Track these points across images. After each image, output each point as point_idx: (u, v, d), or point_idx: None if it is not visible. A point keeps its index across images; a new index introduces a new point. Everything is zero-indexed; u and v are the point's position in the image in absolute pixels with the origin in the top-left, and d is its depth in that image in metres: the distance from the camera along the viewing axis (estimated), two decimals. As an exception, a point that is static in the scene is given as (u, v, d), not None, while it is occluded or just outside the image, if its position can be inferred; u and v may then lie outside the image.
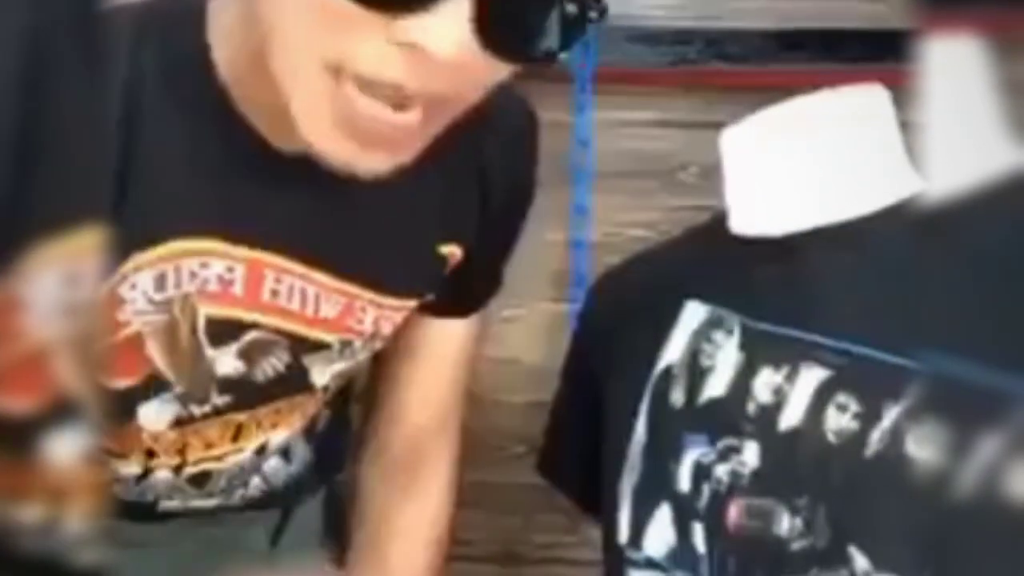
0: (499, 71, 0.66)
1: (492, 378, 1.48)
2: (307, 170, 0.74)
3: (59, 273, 0.60)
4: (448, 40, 0.60)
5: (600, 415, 0.91)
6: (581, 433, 0.95)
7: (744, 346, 0.80)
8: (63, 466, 0.65)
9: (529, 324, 1.49)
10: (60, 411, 0.62)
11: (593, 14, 0.65)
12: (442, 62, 0.61)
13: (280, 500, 0.99)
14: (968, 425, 0.67)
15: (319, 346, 0.85)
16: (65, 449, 0.63)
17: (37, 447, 0.62)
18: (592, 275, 1.39)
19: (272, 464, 0.94)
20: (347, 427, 1.04)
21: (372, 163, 0.67)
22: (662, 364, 0.84)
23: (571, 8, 0.65)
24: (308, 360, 0.85)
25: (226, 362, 0.82)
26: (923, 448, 0.68)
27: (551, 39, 0.65)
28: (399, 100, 0.64)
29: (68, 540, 0.58)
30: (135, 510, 0.91)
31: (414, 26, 0.60)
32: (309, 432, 0.96)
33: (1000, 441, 0.65)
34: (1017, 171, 0.69)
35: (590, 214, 1.47)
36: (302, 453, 0.97)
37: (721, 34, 1.44)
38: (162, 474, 0.88)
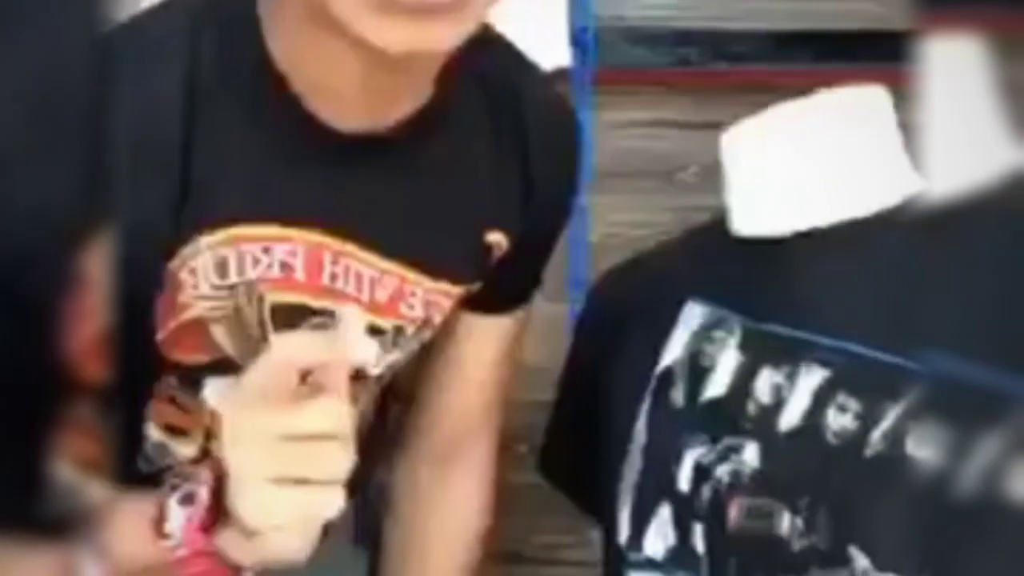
0: None
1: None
2: (362, 151, 0.76)
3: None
4: None
5: (600, 415, 0.91)
6: (581, 433, 0.95)
7: (744, 346, 0.80)
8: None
9: (530, 324, 1.49)
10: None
11: None
12: None
13: None
14: (968, 425, 0.67)
15: (374, 331, 0.85)
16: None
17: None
18: (591, 275, 1.39)
19: None
20: (384, 427, 1.05)
21: (434, 37, 0.68)
22: (662, 364, 0.84)
23: None
24: None
25: None
26: (923, 448, 0.69)
27: None
28: None
29: None
30: None
31: None
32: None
33: (1000, 441, 0.65)
34: (1017, 171, 0.70)
35: (589, 214, 1.47)
36: None
37: (721, 35, 1.44)
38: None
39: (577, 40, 1.42)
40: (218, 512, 0.66)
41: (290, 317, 0.81)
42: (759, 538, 0.75)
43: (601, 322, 0.96)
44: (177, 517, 0.67)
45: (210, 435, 0.87)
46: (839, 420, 0.73)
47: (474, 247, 0.88)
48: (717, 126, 0.85)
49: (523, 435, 1.40)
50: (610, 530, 0.86)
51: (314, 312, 0.82)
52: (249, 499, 0.64)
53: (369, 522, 1.06)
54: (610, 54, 1.43)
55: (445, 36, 0.68)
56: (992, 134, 0.70)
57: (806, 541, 0.73)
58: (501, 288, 0.93)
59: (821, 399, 0.74)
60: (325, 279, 0.81)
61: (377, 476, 1.06)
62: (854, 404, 0.72)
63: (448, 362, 0.97)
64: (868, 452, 0.71)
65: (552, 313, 1.49)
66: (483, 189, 0.87)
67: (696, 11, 1.45)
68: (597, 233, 1.48)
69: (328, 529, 1.02)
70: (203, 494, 0.67)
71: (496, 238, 0.88)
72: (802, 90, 0.80)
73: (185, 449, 0.88)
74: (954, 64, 0.68)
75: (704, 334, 0.83)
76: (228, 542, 0.66)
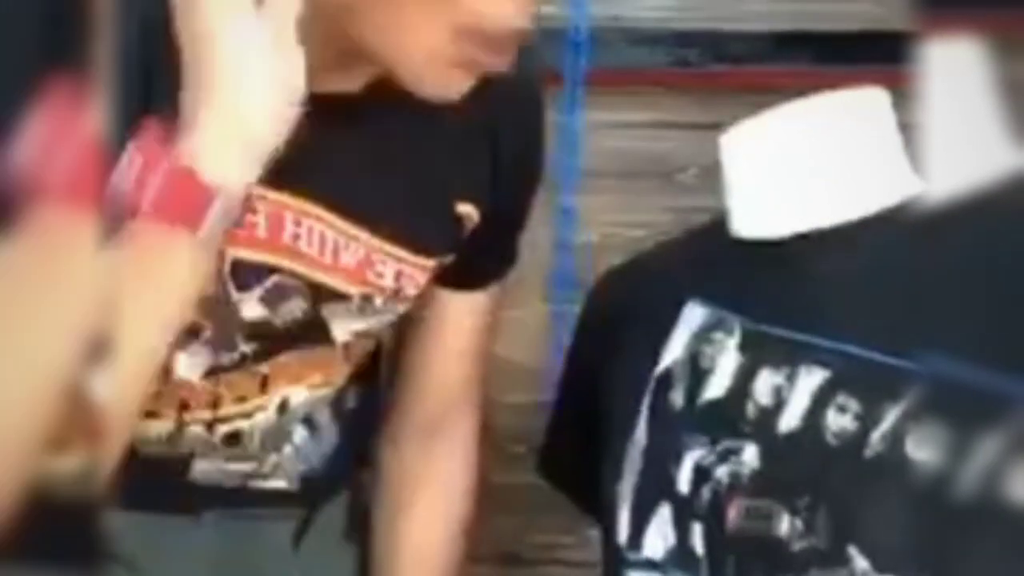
0: None
1: (490, 378, 1.48)
2: (329, 115, 0.76)
3: None
4: None
5: (600, 415, 0.91)
6: (581, 433, 0.95)
7: (744, 347, 0.80)
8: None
9: (526, 325, 1.49)
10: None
11: None
12: None
13: (309, 489, 0.99)
14: (968, 426, 0.67)
15: (338, 296, 0.86)
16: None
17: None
18: (590, 276, 1.39)
19: (300, 434, 0.95)
20: (376, 416, 1.05)
21: (450, 87, 0.73)
22: (662, 365, 0.84)
23: None
24: (327, 311, 0.86)
25: (250, 306, 0.83)
26: (923, 449, 0.68)
27: None
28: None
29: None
30: (168, 477, 0.91)
31: None
32: (337, 407, 0.97)
33: (999, 442, 0.65)
34: (1017, 171, 0.69)
35: (575, 215, 1.47)
36: (329, 430, 0.97)
37: (721, 36, 1.44)
38: (195, 430, 0.89)
39: (570, 40, 1.42)
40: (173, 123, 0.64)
41: (248, 274, 0.81)
42: (758, 539, 0.75)
43: (601, 322, 0.96)
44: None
45: (185, 407, 0.88)
46: (839, 421, 0.73)
47: (444, 218, 0.88)
48: (717, 126, 0.85)
49: (521, 436, 1.40)
50: (609, 530, 0.86)
51: (271, 270, 0.82)
52: (224, 71, 0.62)
53: (360, 518, 1.07)
54: (610, 55, 1.43)
55: (464, 87, 0.73)
56: (992, 134, 0.70)
57: (805, 542, 0.73)
58: (474, 264, 0.94)
59: (821, 400, 0.74)
60: (286, 238, 0.81)
61: (369, 474, 1.07)
62: (854, 405, 0.72)
63: (426, 338, 0.98)
64: (868, 453, 0.71)
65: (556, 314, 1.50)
66: (452, 160, 0.88)
67: (696, 12, 1.45)
68: (597, 233, 1.49)
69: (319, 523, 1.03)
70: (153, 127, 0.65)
71: (466, 210, 0.89)
72: (802, 91, 0.80)
73: (160, 426, 0.89)
74: (954, 65, 0.68)
75: (704, 335, 0.83)
76: (192, 149, 0.64)
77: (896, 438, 0.70)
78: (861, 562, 0.70)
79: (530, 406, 1.40)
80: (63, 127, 0.48)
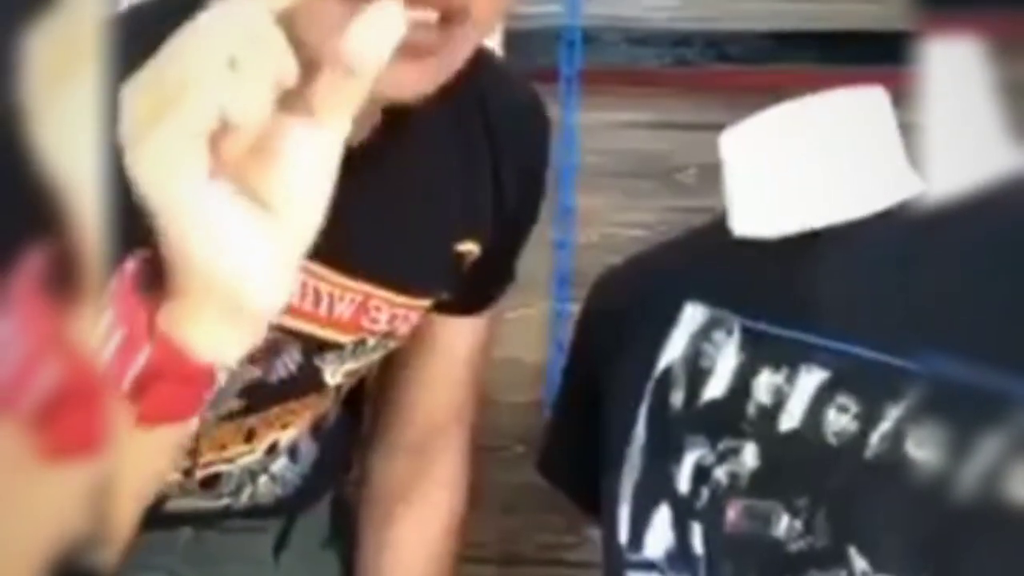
0: None
1: (491, 378, 1.49)
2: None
3: None
4: None
5: (600, 415, 0.91)
6: (581, 433, 0.95)
7: (744, 347, 0.80)
8: None
9: (529, 324, 1.49)
10: None
11: None
12: None
13: (287, 503, 0.98)
14: (968, 426, 0.67)
15: (332, 346, 0.84)
16: None
17: None
18: (577, 276, 1.40)
19: (280, 464, 0.94)
20: (356, 425, 1.04)
21: (411, 80, 0.62)
22: (662, 365, 0.85)
23: None
24: (320, 360, 0.85)
25: (242, 367, 0.81)
26: (923, 449, 0.69)
27: None
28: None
29: None
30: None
31: None
32: (316, 429, 0.96)
33: (1000, 442, 0.65)
34: (1017, 172, 0.69)
35: (574, 214, 1.47)
36: (308, 451, 0.97)
37: (721, 35, 1.44)
38: (171, 477, 0.87)
39: (566, 39, 1.42)
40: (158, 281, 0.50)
41: None
42: (756, 539, 0.75)
43: (601, 322, 0.96)
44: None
45: None
46: (839, 421, 0.73)
47: (444, 258, 0.86)
48: (717, 126, 0.85)
49: (522, 435, 1.40)
50: (610, 530, 0.86)
51: None
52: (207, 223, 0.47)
53: (343, 523, 1.06)
54: (610, 54, 1.43)
55: (422, 80, 0.62)
56: (992, 134, 0.70)
57: (803, 542, 0.73)
58: (471, 292, 0.92)
59: (821, 400, 0.74)
60: None
61: (352, 473, 1.06)
62: (854, 405, 0.72)
63: (417, 361, 0.96)
64: (868, 453, 0.71)
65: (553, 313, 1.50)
66: (453, 199, 0.84)
67: (696, 11, 1.45)
68: (597, 233, 1.49)
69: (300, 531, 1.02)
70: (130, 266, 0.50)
71: (467, 247, 0.87)
72: (802, 91, 0.80)
73: None
74: (954, 65, 0.68)
75: (704, 335, 0.83)
76: (181, 322, 0.50)
77: (896, 438, 0.70)
78: (860, 562, 0.70)
79: (530, 406, 1.40)
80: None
